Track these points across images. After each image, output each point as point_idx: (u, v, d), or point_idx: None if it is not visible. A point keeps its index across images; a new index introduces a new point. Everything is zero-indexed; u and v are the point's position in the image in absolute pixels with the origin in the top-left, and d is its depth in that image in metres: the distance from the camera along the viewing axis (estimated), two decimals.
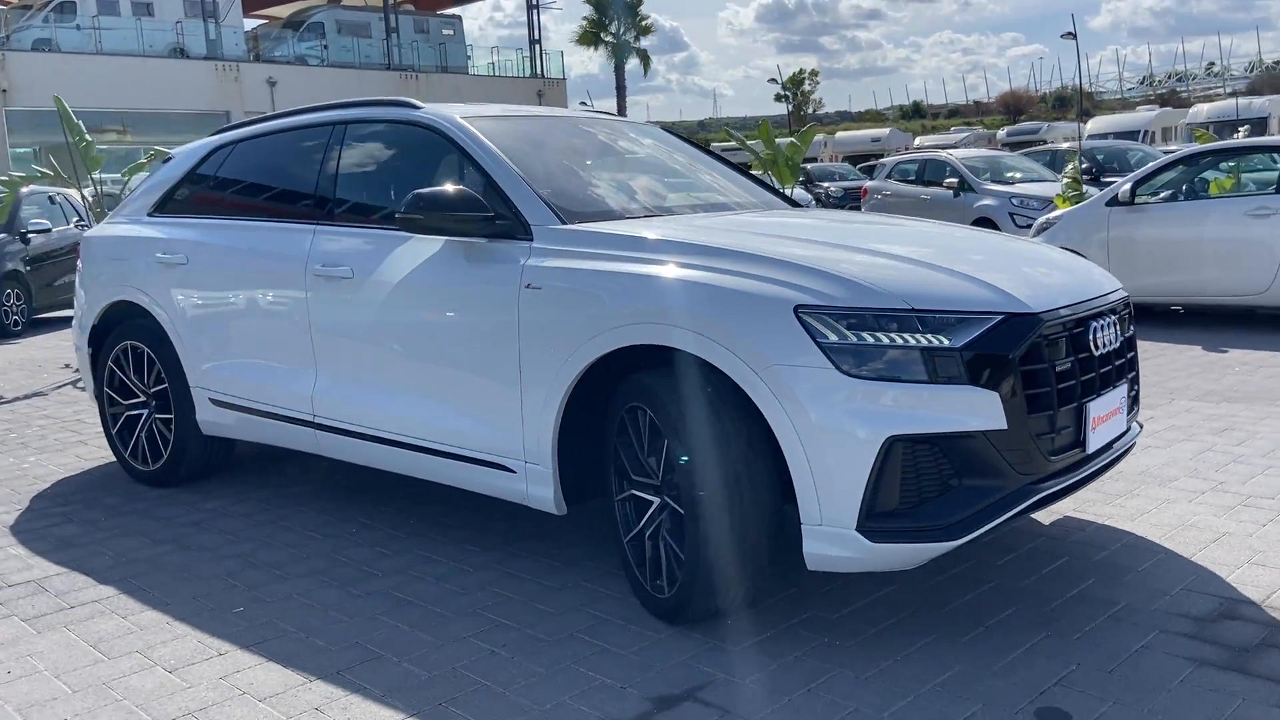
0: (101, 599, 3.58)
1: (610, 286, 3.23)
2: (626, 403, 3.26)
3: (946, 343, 2.83)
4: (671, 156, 4.68)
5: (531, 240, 3.51)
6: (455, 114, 4.02)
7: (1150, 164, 9.28)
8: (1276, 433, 5.13)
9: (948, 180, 15.06)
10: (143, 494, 4.85)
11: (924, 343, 2.82)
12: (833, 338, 2.84)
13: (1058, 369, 3.02)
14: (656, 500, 3.23)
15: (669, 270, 3.14)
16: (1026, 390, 2.91)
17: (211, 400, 4.62)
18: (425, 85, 38.08)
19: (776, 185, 8.40)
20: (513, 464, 3.55)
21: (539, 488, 3.50)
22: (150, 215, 5.04)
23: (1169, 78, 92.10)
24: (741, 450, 2.98)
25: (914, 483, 2.85)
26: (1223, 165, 9.24)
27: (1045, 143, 36.85)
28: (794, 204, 4.79)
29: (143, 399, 4.94)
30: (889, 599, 3.32)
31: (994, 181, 14.81)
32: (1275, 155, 8.56)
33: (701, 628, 3.14)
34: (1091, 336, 3.17)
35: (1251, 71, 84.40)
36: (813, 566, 2.93)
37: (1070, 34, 57.35)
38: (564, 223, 3.53)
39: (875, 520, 2.83)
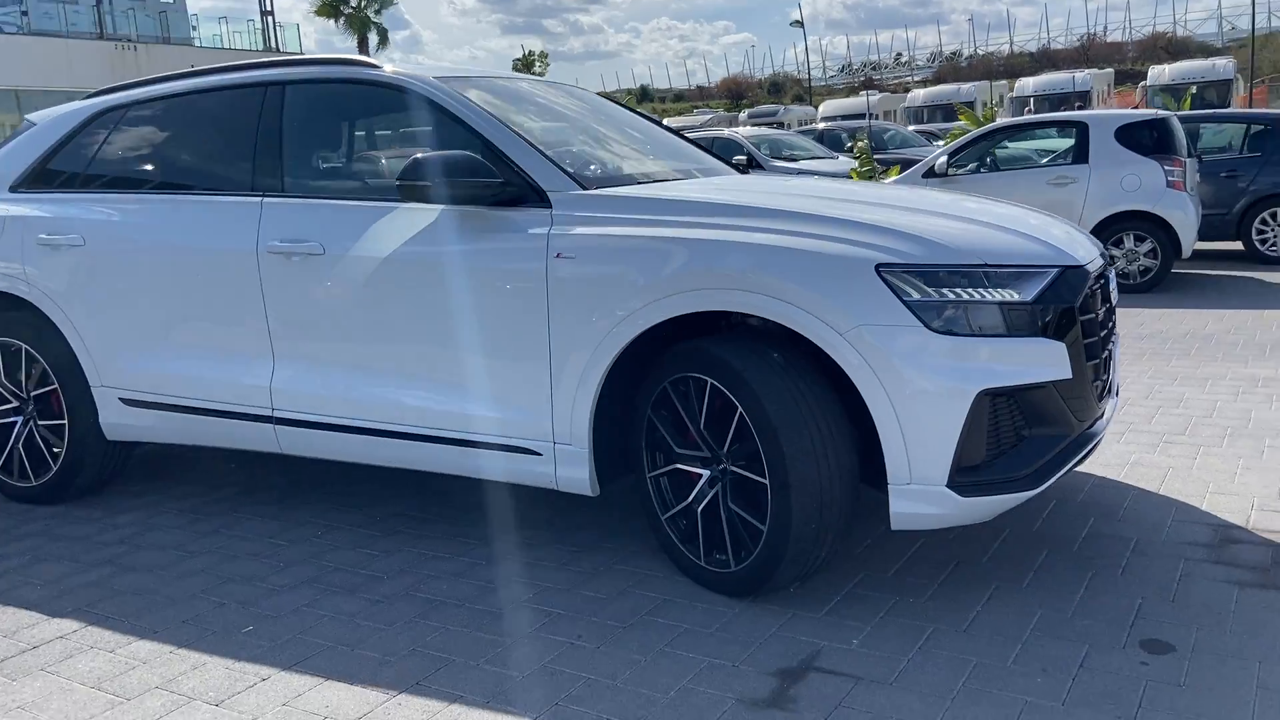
0: (67, 634, 3.07)
1: (664, 252, 3.09)
2: (674, 373, 3.14)
3: (1019, 297, 2.91)
4: (632, 122, 4.53)
5: (550, 207, 3.30)
6: (430, 75, 3.70)
7: (962, 138, 9.95)
8: (1148, 376, 5.66)
9: (736, 158, 15.47)
10: (30, 514, 4.19)
11: (1000, 297, 2.89)
12: (916, 295, 2.85)
13: (1096, 319, 3.18)
14: (706, 473, 3.14)
15: (737, 235, 3.04)
16: (1084, 339, 3.04)
17: (123, 400, 4.05)
18: (145, 58, 34.91)
19: None
20: (539, 446, 3.34)
21: (571, 469, 3.31)
22: (15, 191, 4.34)
23: (864, 66, 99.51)
24: (823, 414, 2.94)
25: (995, 436, 2.91)
26: (1022, 138, 10.07)
27: (784, 124, 38.72)
28: (747, 170, 4.78)
29: (14, 405, 4.26)
30: (926, 556, 3.39)
31: (779, 159, 15.41)
32: (1068, 129, 9.41)
33: (771, 599, 3.09)
34: (1108, 289, 3.36)
35: (934, 61, 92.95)
36: (899, 526, 2.94)
37: (798, 22, 60.23)
38: (584, 188, 3.34)
39: (963, 475, 2.87)
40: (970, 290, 2.88)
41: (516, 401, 3.35)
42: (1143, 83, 32.59)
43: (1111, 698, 2.50)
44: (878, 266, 2.88)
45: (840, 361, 2.88)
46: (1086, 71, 37.48)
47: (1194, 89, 25.59)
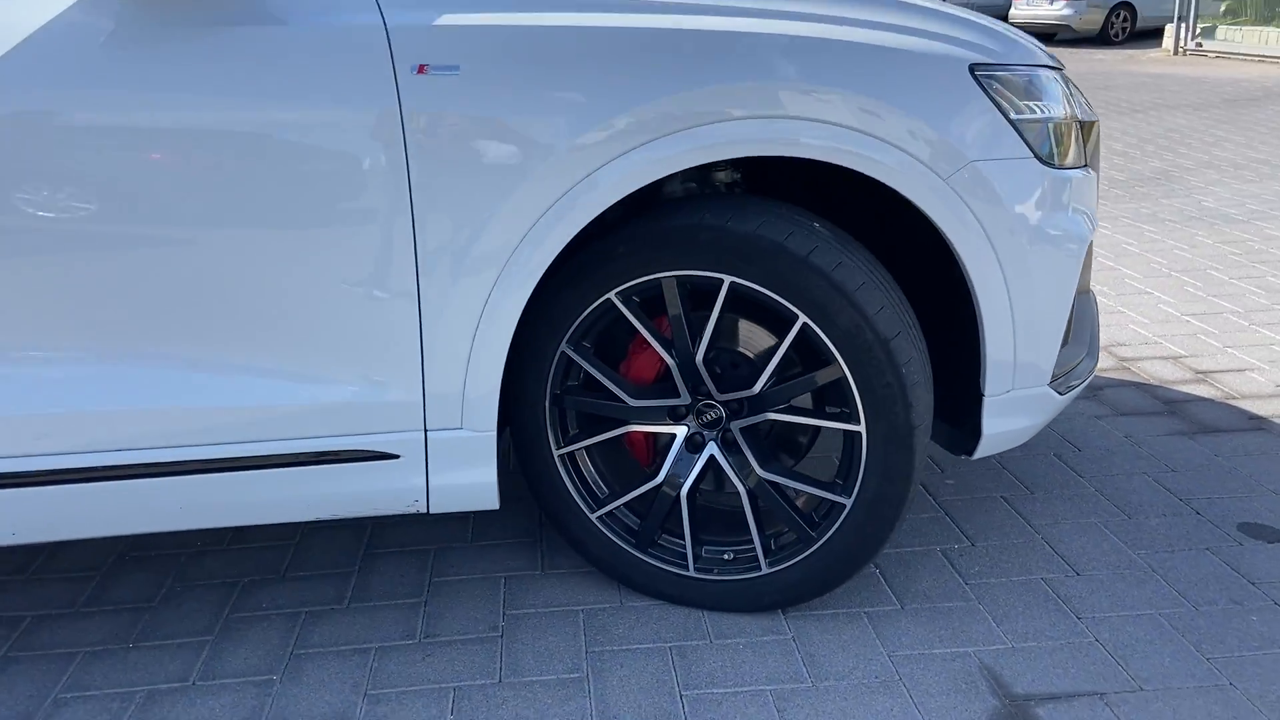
0: None
1: (647, 55, 1.72)
2: (629, 282, 1.84)
3: (1082, 116, 2.12)
4: None
5: None
6: None
7: None
8: None
9: None
10: None
11: (1076, 114, 2.06)
12: (1013, 113, 1.92)
13: None
14: (682, 431, 1.94)
15: (766, 24, 1.77)
16: None
17: None
18: None
19: None
20: (395, 443, 1.79)
21: (456, 472, 1.84)
22: None
23: None
24: (908, 312, 1.90)
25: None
26: None
27: None
28: None
29: None
30: (962, 504, 2.53)
31: None
32: None
33: (866, 576, 2.01)
34: None
35: None
36: (986, 453, 2.04)
37: None
38: None
39: (1059, 365, 2.07)
40: (1047, 106, 2.00)
41: (358, 368, 1.75)
42: None
43: None
44: (972, 69, 1.87)
45: (940, 221, 1.85)
46: None
47: None
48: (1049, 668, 1.83)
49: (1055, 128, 1.97)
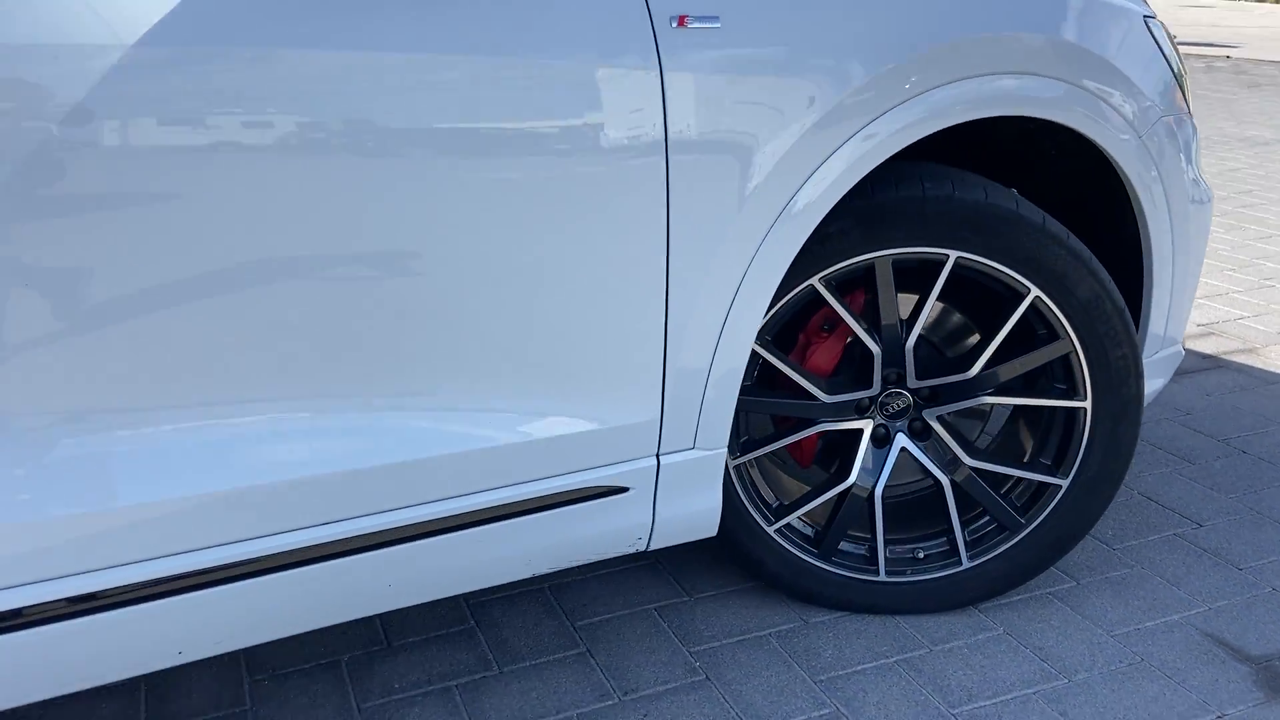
0: None
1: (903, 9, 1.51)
2: (847, 261, 1.64)
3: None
4: None
5: None
6: None
7: None
8: None
9: None
10: None
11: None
12: (1175, 67, 1.89)
13: None
14: (870, 424, 1.79)
15: None
16: None
17: None
18: None
19: None
20: (626, 475, 1.49)
21: (684, 499, 1.57)
22: None
23: None
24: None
25: None
26: None
27: None
28: None
29: None
30: None
31: None
32: None
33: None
34: None
35: None
36: None
37: None
38: None
39: None
40: (1172, 57, 1.99)
41: (581, 385, 1.41)
42: None
43: None
44: (1145, 20, 1.82)
45: (1137, 185, 1.78)
46: None
47: None
48: (1261, 624, 1.83)
49: (1182, 80, 1.96)
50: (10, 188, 1.07)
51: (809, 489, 1.83)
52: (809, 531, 1.85)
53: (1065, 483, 1.79)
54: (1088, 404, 1.74)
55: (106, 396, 1.18)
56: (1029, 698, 1.66)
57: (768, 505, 1.82)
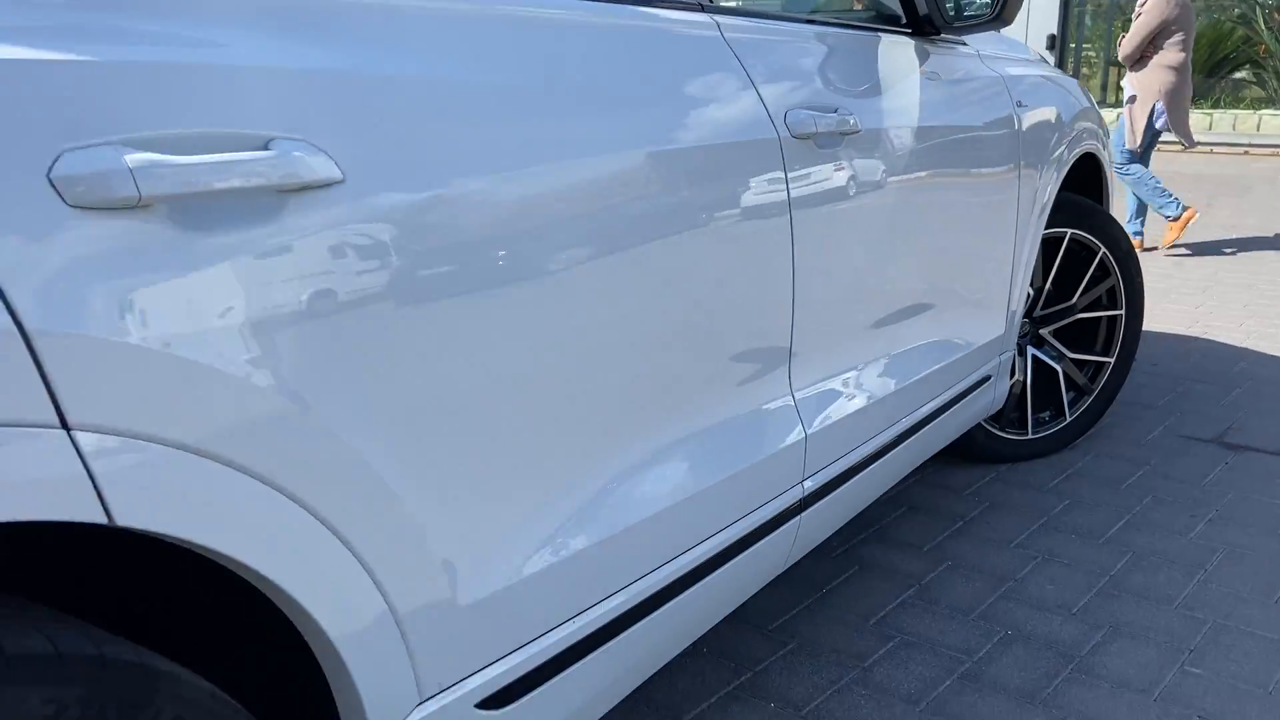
0: None
1: (1057, 94, 2.70)
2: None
3: None
4: None
5: (954, 39, 2.40)
6: None
7: None
8: None
9: None
10: None
11: None
12: None
13: None
14: (1028, 344, 2.99)
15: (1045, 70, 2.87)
16: None
17: None
18: None
19: None
20: (991, 366, 2.51)
21: (1004, 379, 2.64)
22: None
23: None
24: None
25: None
26: None
27: None
28: None
29: None
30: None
31: None
32: None
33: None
34: None
35: None
36: None
37: None
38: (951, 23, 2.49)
39: None
40: None
41: (989, 307, 2.43)
42: None
43: None
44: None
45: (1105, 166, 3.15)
46: None
47: None
48: None
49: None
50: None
51: None
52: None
53: (1111, 360, 3.08)
54: (1123, 312, 3.05)
55: None
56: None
57: None
